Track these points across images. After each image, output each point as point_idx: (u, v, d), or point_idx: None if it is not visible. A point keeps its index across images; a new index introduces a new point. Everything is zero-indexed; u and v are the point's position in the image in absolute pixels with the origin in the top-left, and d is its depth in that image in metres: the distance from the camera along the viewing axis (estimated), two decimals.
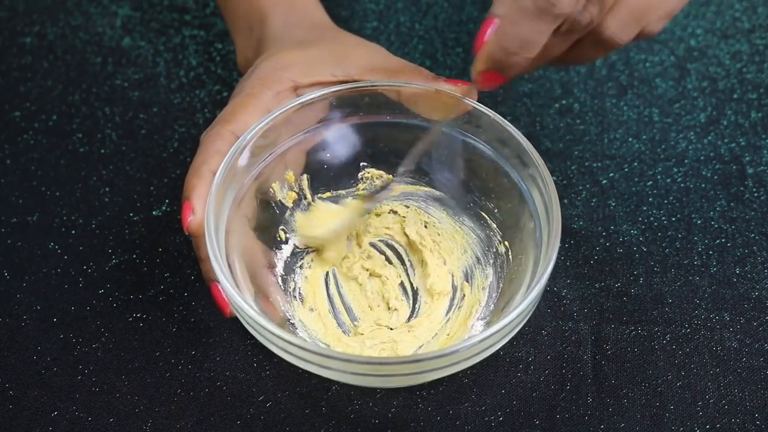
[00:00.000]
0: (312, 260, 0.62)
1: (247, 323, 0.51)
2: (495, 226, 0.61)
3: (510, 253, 0.59)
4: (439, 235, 0.63)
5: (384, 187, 0.62)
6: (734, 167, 0.69)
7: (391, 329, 0.59)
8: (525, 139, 0.56)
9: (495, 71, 0.52)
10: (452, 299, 0.60)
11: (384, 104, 0.59)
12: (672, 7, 0.53)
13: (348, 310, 0.60)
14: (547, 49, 0.52)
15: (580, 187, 0.68)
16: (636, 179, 0.68)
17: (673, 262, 0.63)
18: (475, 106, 0.58)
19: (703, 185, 0.68)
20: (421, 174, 0.63)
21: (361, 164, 0.63)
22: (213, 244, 0.51)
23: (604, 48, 0.53)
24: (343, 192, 0.63)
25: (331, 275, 0.62)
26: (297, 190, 0.62)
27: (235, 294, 0.50)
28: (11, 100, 0.73)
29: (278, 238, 0.61)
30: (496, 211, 0.61)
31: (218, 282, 0.53)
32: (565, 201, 0.67)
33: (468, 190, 0.62)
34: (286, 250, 0.61)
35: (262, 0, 0.64)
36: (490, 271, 0.60)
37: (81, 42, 0.78)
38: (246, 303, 0.50)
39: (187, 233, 0.54)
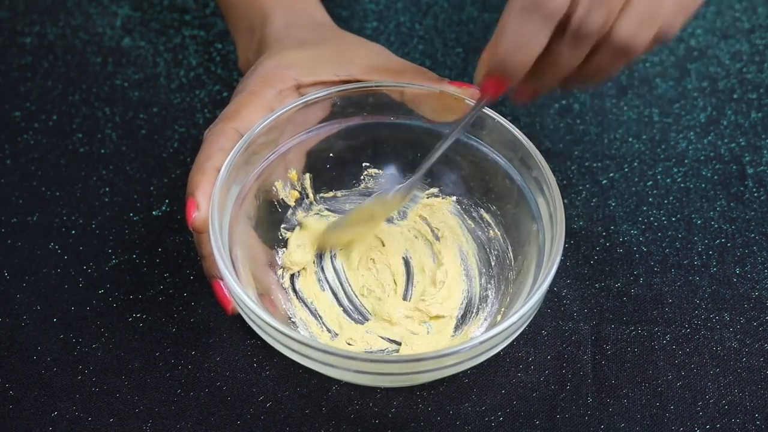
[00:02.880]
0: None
1: (250, 319, 0.51)
2: (497, 228, 0.61)
3: (512, 255, 0.59)
4: (441, 236, 0.63)
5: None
6: (734, 167, 0.69)
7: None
8: (528, 141, 0.56)
9: (497, 75, 0.51)
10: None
11: (387, 105, 0.59)
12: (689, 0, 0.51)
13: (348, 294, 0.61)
14: (559, 60, 0.50)
15: (580, 187, 0.68)
16: (636, 179, 0.68)
17: (673, 262, 0.63)
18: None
19: (703, 185, 0.68)
20: (423, 175, 0.62)
21: (363, 164, 0.63)
22: (217, 240, 0.51)
23: (622, 56, 0.51)
24: (345, 192, 0.63)
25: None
26: (299, 189, 0.62)
27: (239, 290, 0.50)
28: (11, 100, 0.73)
29: (280, 237, 0.61)
30: (498, 213, 0.61)
31: (221, 279, 0.53)
32: (565, 201, 0.67)
33: (470, 192, 0.62)
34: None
35: (262, 1, 0.64)
36: (491, 272, 0.60)
37: (81, 42, 0.78)
38: (249, 298, 0.50)
39: (191, 229, 0.54)
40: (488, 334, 0.49)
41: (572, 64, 0.51)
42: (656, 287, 0.62)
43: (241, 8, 0.65)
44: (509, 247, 0.60)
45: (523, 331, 0.53)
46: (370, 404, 0.56)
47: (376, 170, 0.63)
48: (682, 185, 0.68)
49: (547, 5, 0.48)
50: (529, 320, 0.52)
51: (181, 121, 0.72)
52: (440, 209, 0.63)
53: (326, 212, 0.63)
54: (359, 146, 0.61)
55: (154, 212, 0.66)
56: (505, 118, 0.57)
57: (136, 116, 0.72)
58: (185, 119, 0.72)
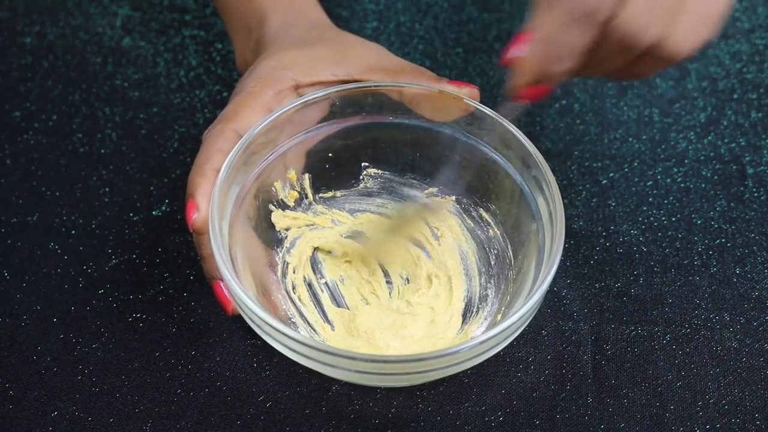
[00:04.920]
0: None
1: (251, 319, 0.51)
2: (496, 227, 0.61)
3: (511, 254, 0.59)
4: (440, 236, 0.63)
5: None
6: (734, 167, 0.69)
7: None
8: (528, 140, 0.56)
9: (539, 83, 0.50)
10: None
11: (386, 104, 0.59)
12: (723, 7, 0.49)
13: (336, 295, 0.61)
14: (603, 62, 0.50)
15: (580, 187, 0.68)
16: (636, 179, 0.68)
17: (673, 262, 0.63)
18: (478, 107, 0.58)
19: (703, 185, 0.68)
20: (423, 175, 0.63)
21: (363, 164, 0.63)
22: (217, 241, 0.51)
23: (665, 62, 0.50)
24: (345, 192, 0.63)
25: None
26: (298, 189, 0.62)
27: (240, 290, 0.50)
28: (11, 100, 0.73)
29: (279, 237, 0.61)
30: (498, 212, 0.61)
31: (221, 280, 0.53)
32: (565, 201, 0.66)
33: (470, 192, 0.62)
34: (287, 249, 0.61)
35: (260, 1, 0.64)
36: (491, 271, 0.60)
37: (81, 42, 0.78)
38: (250, 299, 0.50)
39: (191, 230, 0.54)
40: (488, 334, 0.49)
41: (614, 67, 0.51)
42: (656, 287, 0.62)
43: (239, 8, 0.65)
44: (509, 246, 0.60)
45: (523, 331, 0.53)
46: (370, 404, 0.56)
47: (375, 170, 0.63)
48: (682, 185, 0.68)
49: (598, 14, 0.47)
50: (529, 320, 0.53)
51: (181, 121, 0.72)
52: (440, 209, 0.63)
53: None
54: (358, 146, 0.61)
55: (154, 212, 0.66)
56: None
57: (136, 116, 0.72)
58: (185, 119, 0.72)
